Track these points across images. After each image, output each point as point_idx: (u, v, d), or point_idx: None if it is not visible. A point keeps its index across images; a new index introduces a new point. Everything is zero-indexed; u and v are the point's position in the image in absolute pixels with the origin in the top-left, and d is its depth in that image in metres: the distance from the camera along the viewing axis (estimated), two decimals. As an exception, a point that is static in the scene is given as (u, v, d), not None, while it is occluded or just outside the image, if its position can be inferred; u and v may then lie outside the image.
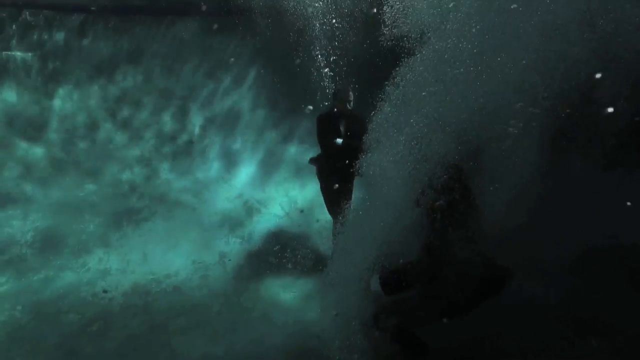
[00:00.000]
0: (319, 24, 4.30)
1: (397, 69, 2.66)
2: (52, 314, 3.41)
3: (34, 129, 4.72)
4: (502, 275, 2.29)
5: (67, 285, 3.82)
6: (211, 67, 5.57)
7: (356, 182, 4.01)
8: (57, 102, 4.79)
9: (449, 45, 2.36)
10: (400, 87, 2.58)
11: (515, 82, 2.22)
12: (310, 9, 4.21)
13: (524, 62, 2.18)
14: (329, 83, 4.29)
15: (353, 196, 4.03)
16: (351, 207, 3.99)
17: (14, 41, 4.51)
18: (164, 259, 4.36)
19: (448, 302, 2.24)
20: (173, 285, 3.98)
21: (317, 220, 4.34)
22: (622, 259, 2.97)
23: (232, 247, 4.60)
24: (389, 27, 3.08)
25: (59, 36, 4.68)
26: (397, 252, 2.42)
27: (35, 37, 4.63)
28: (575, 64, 2.22)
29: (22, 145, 4.59)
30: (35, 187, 4.46)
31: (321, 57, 4.41)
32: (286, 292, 3.79)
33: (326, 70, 4.38)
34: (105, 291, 3.81)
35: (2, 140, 4.43)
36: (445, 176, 2.22)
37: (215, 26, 5.20)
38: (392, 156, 2.47)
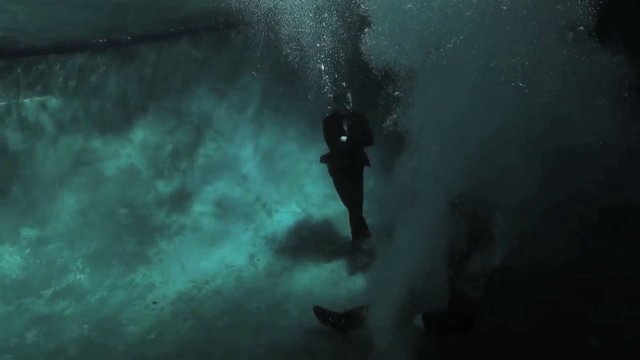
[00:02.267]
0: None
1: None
2: (114, 328, 3.88)
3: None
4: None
5: (121, 302, 4.28)
6: (216, 79, 5.86)
7: (365, 172, 4.33)
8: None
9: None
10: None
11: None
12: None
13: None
14: (329, 88, 4.54)
15: (363, 186, 4.35)
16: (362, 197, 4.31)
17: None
18: (200, 267, 4.79)
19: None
20: (212, 290, 4.40)
21: (259, 260, 4.69)
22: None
23: (260, 247, 5.00)
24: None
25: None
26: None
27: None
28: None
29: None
30: (76, 217, 4.90)
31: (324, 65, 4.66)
32: (315, 281, 4.18)
33: (326, 77, 4.63)
34: (155, 302, 4.27)
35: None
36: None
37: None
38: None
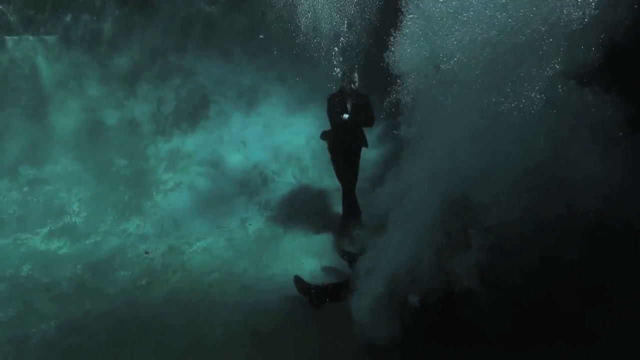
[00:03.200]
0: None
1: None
2: (107, 272, 4.06)
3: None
4: None
5: (114, 248, 4.45)
6: (226, 45, 5.81)
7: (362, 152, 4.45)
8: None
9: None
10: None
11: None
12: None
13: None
14: (338, 65, 4.56)
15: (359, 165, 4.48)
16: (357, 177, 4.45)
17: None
18: (193, 224, 4.95)
19: None
20: (203, 247, 4.59)
21: (250, 224, 4.80)
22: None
23: (252, 213, 5.16)
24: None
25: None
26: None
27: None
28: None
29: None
30: (75, 162, 4.96)
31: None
32: (302, 250, 4.37)
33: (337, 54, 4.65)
34: (146, 252, 4.44)
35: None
36: None
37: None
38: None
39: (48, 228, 4.46)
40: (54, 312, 3.48)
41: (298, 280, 3.52)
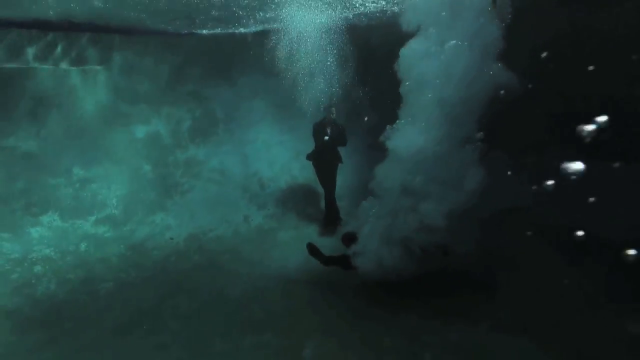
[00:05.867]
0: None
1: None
2: (143, 251, 5.36)
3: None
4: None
5: (146, 235, 5.74)
6: (233, 78, 7.29)
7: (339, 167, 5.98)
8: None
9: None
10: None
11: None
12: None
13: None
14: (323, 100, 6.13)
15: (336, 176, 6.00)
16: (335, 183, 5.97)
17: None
18: (205, 218, 6.29)
19: None
20: (215, 235, 5.94)
21: (252, 220, 6.20)
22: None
23: (252, 211, 6.56)
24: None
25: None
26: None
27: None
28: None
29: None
30: (113, 166, 6.25)
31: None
32: (293, 238, 5.79)
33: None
34: (171, 238, 5.76)
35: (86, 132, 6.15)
36: None
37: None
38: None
39: (95, 216, 5.72)
40: (110, 276, 4.75)
41: (311, 246, 4.69)
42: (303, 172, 7.29)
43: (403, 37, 3.83)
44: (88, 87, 6.19)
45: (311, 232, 5.90)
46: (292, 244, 5.64)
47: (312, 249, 4.63)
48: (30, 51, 5.63)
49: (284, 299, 4.18)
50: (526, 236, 4.44)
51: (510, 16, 3.44)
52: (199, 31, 6.70)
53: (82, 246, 5.23)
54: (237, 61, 7.26)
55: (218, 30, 6.71)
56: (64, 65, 5.94)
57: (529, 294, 3.73)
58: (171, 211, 6.29)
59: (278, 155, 7.52)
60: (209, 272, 4.91)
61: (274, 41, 6.27)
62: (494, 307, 3.63)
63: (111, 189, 6.08)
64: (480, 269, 4.25)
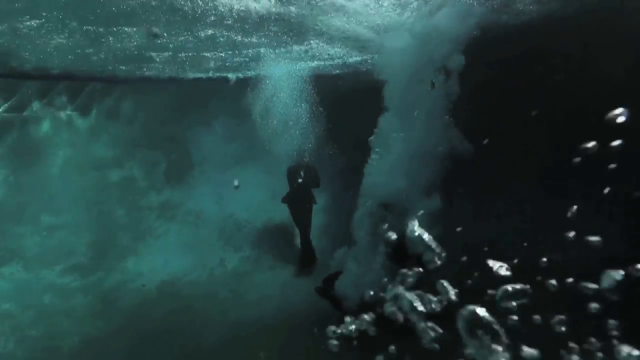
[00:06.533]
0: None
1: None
2: (114, 299, 5.16)
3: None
4: None
5: (116, 283, 5.55)
6: (206, 118, 7.51)
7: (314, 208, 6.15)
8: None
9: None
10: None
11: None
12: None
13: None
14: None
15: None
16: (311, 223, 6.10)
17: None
18: (180, 262, 6.18)
19: None
20: (190, 281, 5.83)
21: (228, 263, 6.31)
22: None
23: (229, 253, 6.52)
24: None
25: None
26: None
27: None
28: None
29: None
30: (83, 212, 6.12)
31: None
32: (269, 280, 5.78)
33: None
34: (143, 285, 5.59)
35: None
36: None
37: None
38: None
39: (62, 265, 5.49)
40: (75, 330, 4.52)
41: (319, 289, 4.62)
42: (279, 213, 7.39)
43: (369, 88, 4.25)
44: (61, 132, 6.19)
45: (287, 274, 5.92)
46: (269, 286, 5.62)
47: (321, 291, 4.59)
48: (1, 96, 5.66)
49: (261, 346, 4.12)
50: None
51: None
52: (178, 76, 6.98)
53: (46, 298, 4.97)
54: (213, 105, 7.53)
55: (193, 75, 7.02)
56: (37, 110, 5.98)
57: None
58: (144, 256, 6.14)
59: (254, 196, 7.62)
60: (183, 319, 4.78)
61: (250, 87, 6.63)
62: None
63: (81, 235, 5.92)
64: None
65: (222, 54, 5.53)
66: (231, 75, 7.04)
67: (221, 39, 4.82)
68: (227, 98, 7.47)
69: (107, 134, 6.60)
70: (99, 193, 6.36)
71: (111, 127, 6.63)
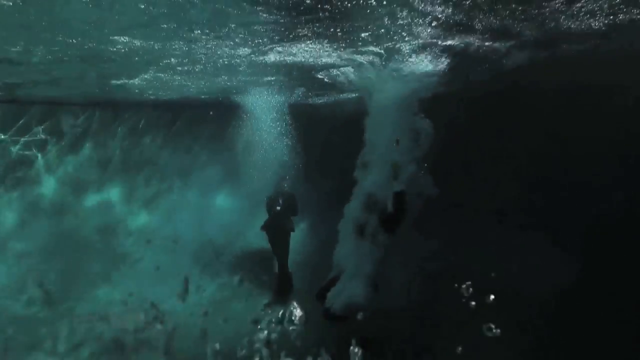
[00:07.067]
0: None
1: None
2: (82, 330, 4.97)
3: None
4: None
5: (88, 312, 5.36)
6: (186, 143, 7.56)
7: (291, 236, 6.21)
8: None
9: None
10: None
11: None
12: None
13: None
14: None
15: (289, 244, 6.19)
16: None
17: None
18: (156, 290, 6.03)
19: None
20: (164, 308, 5.68)
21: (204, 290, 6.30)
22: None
23: (205, 280, 6.43)
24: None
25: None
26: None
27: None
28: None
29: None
30: (54, 237, 5.95)
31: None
32: (246, 305, 5.72)
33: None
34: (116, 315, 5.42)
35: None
36: None
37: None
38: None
39: (27, 295, 5.29)
40: (40, 364, 4.34)
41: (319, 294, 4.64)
42: (257, 239, 7.40)
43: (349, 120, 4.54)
44: (34, 158, 6.08)
45: (264, 301, 5.89)
46: (245, 314, 5.57)
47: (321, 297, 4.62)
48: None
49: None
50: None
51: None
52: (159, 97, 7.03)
53: (9, 331, 4.76)
54: (194, 130, 7.60)
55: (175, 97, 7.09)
56: (8, 136, 5.87)
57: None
58: (117, 284, 5.99)
59: (234, 222, 7.61)
60: (156, 352, 4.66)
61: (231, 113, 6.76)
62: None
63: (50, 263, 5.73)
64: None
65: (202, 82, 5.65)
66: (212, 101, 7.17)
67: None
68: (207, 123, 7.58)
69: (83, 159, 6.52)
70: (73, 218, 6.22)
71: (88, 151, 6.56)
